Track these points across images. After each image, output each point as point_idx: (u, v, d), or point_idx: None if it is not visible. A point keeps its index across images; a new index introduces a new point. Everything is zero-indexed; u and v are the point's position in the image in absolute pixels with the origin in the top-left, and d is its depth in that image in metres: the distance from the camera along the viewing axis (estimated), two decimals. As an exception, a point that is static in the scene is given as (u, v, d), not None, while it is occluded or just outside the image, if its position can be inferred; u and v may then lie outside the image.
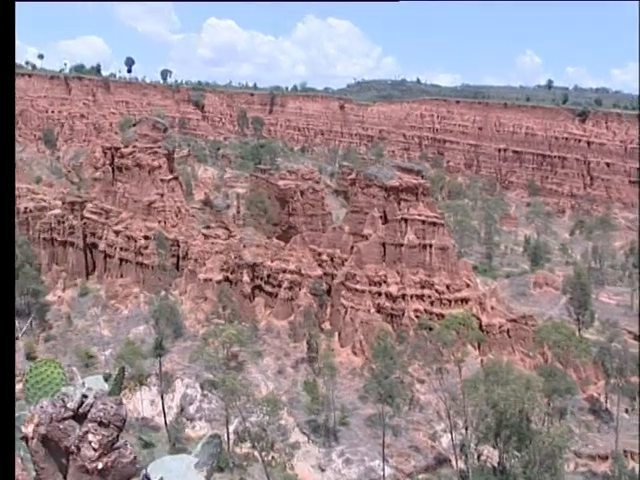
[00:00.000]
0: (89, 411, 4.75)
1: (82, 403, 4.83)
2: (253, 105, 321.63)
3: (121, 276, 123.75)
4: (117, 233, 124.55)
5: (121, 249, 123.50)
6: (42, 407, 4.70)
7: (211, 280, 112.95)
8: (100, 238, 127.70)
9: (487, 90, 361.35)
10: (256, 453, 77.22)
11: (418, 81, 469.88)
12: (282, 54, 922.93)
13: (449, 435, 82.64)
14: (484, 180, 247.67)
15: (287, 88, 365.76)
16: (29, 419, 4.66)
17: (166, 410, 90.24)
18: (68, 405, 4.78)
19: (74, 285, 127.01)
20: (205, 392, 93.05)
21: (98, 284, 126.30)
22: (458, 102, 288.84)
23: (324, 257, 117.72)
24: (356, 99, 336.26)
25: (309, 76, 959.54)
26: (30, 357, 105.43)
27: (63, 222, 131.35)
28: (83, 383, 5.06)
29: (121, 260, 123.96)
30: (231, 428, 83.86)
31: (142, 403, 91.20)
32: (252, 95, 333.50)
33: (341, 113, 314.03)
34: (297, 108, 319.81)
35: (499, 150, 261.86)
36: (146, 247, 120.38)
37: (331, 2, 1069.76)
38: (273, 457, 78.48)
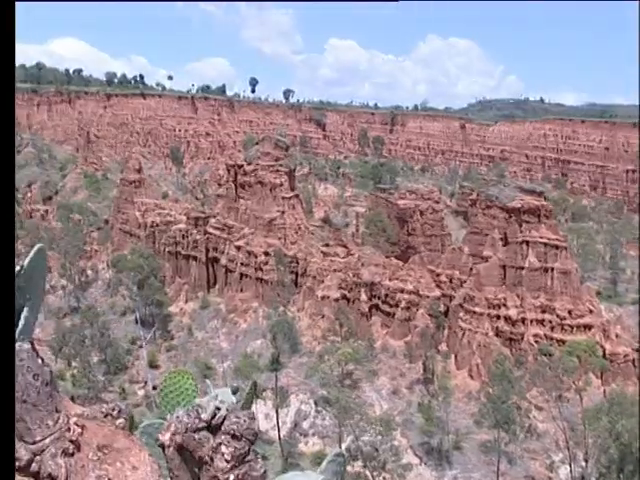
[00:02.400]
0: (222, 423, 4.88)
1: (215, 415, 4.97)
2: (374, 124, 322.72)
3: (241, 290, 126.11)
4: (238, 248, 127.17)
5: (242, 264, 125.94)
6: (178, 417, 4.87)
7: (329, 298, 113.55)
8: (222, 253, 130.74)
9: (614, 109, 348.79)
10: (368, 472, 76.85)
11: (541, 100, 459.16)
12: (403, 73, 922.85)
13: (567, 467, 79.66)
14: (610, 202, 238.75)
15: (408, 107, 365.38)
16: (166, 428, 4.84)
17: (280, 424, 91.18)
18: (202, 416, 4.93)
19: (196, 297, 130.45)
20: (319, 408, 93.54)
21: (219, 297, 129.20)
22: (583, 121, 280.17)
23: (442, 278, 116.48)
24: (477, 118, 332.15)
25: (430, 95, 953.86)
26: (152, 365, 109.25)
27: (187, 236, 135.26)
28: (216, 395, 5.22)
29: (241, 275, 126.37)
30: (343, 446, 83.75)
31: (257, 416, 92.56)
32: (373, 114, 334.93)
33: (462, 132, 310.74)
34: (417, 127, 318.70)
35: (627, 171, 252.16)
36: (266, 263, 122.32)
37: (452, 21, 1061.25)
38: (384, 478, 77.84)
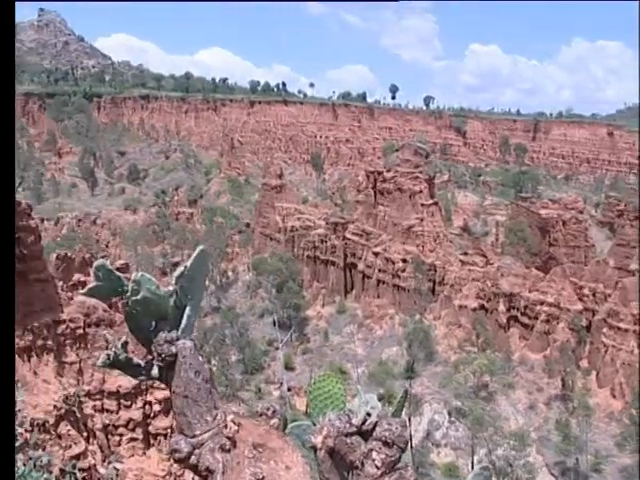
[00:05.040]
0: (374, 429, 4.92)
1: (365, 420, 5.01)
2: (516, 131, 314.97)
3: (378, 297, 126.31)
4: (376, 255, 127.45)
5: (379, 270, 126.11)
6: (330, 420, 4.94)
7: (466, 307, 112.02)
8: (360, 259, 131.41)
9: None
10: (501, 488, 75.12)
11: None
12: (547, 79, 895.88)
13: None
14: None
15: (551, 114, 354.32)
16: (319, 430, 4.92)
17: (412, 433, 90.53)
18: (353, 421, 4.98)
19: (333, 302, 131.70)
20: (452, 419, 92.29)
21: (355, 303, 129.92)
22: None
23: (585, 291, 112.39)
24: (627, 125, 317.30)
25: (575, 101, 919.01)
26: (288, 367, 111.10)
27: (326, 241, 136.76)
28: (367, 401, 5.25)
29: (379, 281, 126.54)
30: (475, 459, 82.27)
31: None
32: (515, 121, 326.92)
33: (609, 140, 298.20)
34: (561, 135, 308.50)
35: None
36: (403, 270, 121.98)
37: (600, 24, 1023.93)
38: (519, 494, 75.88)
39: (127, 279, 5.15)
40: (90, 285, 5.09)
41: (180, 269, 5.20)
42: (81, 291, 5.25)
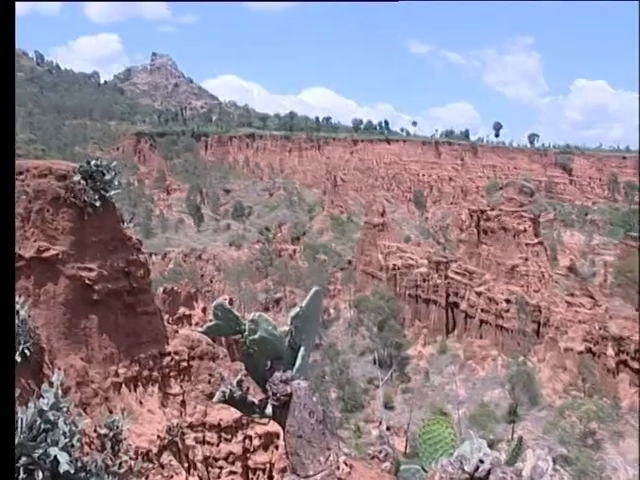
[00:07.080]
0: (487, 477, 4.86)
1: (478, 467, 4.96)
2: (625, 169, 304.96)
3: (480, 337, 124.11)
4: (479, 294, 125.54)
5: (482, 310, 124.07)
6: (442, 466, 4.90)
7: (572, 350, 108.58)
8: (462, 298, 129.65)
9: None
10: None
11: None
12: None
13: None
14: None
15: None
16: (431, 476, 4.90)
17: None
18: (465, 467, 4.93)
19: (434, 342, 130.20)
20: (557, 467, 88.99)
21: (457, 343, 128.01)
22: None
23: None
24: None
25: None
26: (387, 406, 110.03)
27: (428, 280, 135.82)
28: (480, 447, 5.19)
29: (481, 321, 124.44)
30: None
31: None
32: (624, 158, 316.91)
33: None
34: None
35: None
36: (507, 310, 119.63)
37: None
38: None
39: (244, 318, 5.29)
40: (209, 324, 5.26)
41: (296, 310, 5.30)
42: (199, 329, 5.43)
